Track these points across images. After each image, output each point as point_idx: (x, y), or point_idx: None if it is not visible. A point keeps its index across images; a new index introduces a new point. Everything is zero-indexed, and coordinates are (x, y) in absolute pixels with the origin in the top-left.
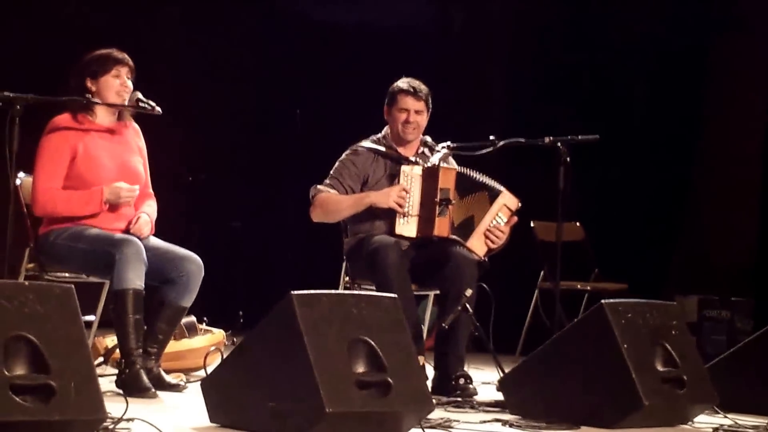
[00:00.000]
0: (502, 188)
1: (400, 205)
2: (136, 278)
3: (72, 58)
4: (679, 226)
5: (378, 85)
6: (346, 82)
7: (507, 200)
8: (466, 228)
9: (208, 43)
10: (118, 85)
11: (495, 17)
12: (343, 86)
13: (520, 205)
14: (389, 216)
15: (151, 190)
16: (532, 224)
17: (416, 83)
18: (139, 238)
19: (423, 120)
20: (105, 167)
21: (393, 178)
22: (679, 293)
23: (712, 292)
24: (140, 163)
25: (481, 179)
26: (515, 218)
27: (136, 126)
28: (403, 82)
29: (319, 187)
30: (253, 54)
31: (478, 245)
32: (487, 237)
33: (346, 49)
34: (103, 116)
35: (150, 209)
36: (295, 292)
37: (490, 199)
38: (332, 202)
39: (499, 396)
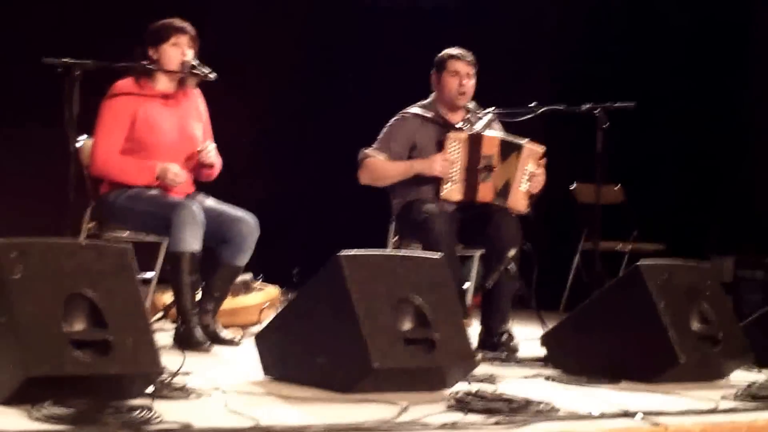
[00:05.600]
0: (522, 141)
1: (445, 173)
2: (192, 241)
3: (133, 24)
4: (718, 186)
5: (423, 52)
6: (393, 48)
7: (529, 152)
8: (505, 191)
9: (263, 9)
10: (177, 54)
11: None
12: (390, 52)
13: (544, 149)
14: (435, 181)
15: None
16: (573, 186)
17: (464, 50)
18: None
19: (472, 85)
20: (164, 131)
21: (440, 144)
22: (717, 253)
23: (750, 252)
24: (199, 128)
25: (512, 140)
26: (544, 160)
27: (197, 90)
28: (451, 49)
29: (367, 151)
30: (308, 23)
31: (518, 201)
32: (531, 188)
33: (389, 17)
34: (163, 83)
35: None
36: (343, 252)
37: (517, 156)
38: (380, 168)
39: (542, 351)
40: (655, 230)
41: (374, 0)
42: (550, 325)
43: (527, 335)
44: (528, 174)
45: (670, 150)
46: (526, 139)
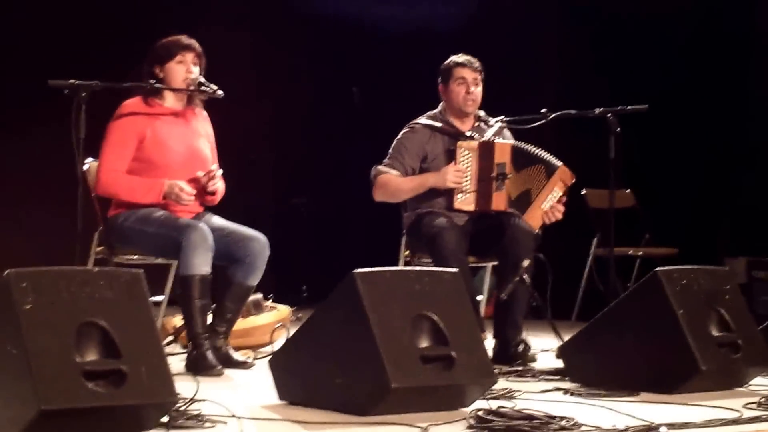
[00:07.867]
0: (558, 163)
1: (458, 183)
2: (202, 264)
3: (138, 42)
4: (728, 188)
5: (431, 59)
6: (401, 55)
7: (563, 175)
8: (522, 201)
9: (265, 18)
10: (182, 71)
11: None
12: (398, 60)
13: (575, 180)
14: (448, 192)
15: None
16: (584, 192)
17: (469, 56)
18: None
19: (480, 92)
20: (173, 150)
21: (450, 153)
22: (729, 255)
23: (762, 253)
24: (207, 147)
25: (537, 153)
26: (565, 198)
27: (205, 112)
28: (456, 57)
29: (379, 168)
30: (310, 31)
31: (535, 218)
32: (550, 213)
33: (396, 26)
34: (171, 101)
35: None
36: (358, 270)
37: (547, 173)
38: (393, 184)
39: (559, 363)
40: (666, 234)
41: (381, 10)
42: (565, 336)
43: (541, 346)
44: (554, 198)
45: (681, 153)
46: (561, 162)
